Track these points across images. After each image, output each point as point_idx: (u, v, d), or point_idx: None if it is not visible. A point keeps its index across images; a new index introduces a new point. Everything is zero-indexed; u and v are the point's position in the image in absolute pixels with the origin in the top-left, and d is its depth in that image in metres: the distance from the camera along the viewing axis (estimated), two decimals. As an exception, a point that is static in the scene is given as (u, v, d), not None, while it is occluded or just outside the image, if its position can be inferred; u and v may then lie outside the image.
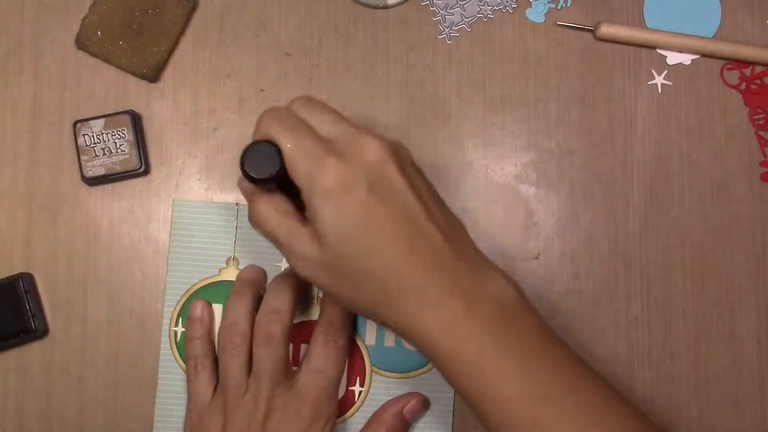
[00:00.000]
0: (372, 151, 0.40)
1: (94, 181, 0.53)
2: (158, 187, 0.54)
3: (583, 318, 0.54)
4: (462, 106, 0.55)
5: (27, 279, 0.53)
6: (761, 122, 0.56)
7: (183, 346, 0.53)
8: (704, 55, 0.56)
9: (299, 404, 0.48)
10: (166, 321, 0.54)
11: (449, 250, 0.41)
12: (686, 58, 0.56)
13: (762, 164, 0.55)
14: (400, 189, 0.40)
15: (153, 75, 0.54)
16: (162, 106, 0.55)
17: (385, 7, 0.55)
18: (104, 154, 0.53)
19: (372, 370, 0.54)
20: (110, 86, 0.55)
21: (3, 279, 0.53)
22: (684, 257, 0.55)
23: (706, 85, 0.56)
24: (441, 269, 0.40)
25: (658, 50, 0.56)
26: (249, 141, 0.55)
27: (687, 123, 0.55)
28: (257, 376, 0.48)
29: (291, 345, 0.51)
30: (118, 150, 0.53)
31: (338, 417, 0.52)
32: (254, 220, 0.43)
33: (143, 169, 0.53)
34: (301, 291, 0.52)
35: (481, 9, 0.56)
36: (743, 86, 0.56)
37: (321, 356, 0.50)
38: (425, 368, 0.54)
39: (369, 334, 0.54)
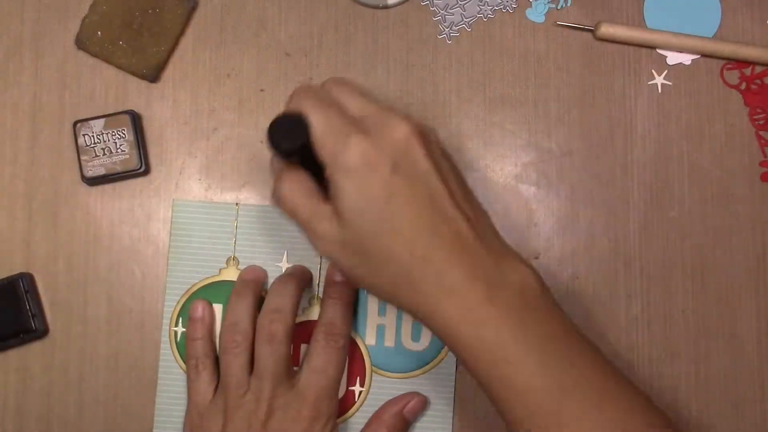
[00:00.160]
0: (399, 131, 0.40)
1: (94, 181, 0.53)
2: (158, 187, 0.54)
3: (583, 318, 0.54)
4: (462, 106, 0.55)
5: (27, 279, 0.53)
6: (761, 122, 0.56)
7: (183, 346, 0.53)
8: (704, 55, 0.56)
9: (300, 404, 0.48)
10: (166, 321, 0.54)
11: (472, 236, 0.40)
12: (686, 58, 0.56)
13: (762, 164, 0.55)
14: (424, 171, 0.40)
15: (153, 75, 0.54)
16: (162, 106, 0.55)
17: (385, 7, 0.55)
18: (104, 154, 0.53)
19: (372, 370, 0.54)
20: (110, 86, 0.55)
21: (3, 279, 0.53)
22: (684, 257, 0.55)
23: (706, 85, 0.56)
24: (463, 254, 0.40)
25: (658, 50, 0.56)
26: (249, 141, 0.55)
27: (687, 123, 0.55)
28: (259, 375, 0.48)
29: (291, 345, 0.51)
30: (118, 150, 0.53)
31: (338, 417, 0.52)
32: (276, 198, 0.43)
33: (143, 169, 0.53)
34: (303, 291, 0.52)
35: (481, 9, 0.56)
36: (743, 86, 0.56)
37: (321, 356, 0.50)
38: (425, 368, 0.54)
39: (369, 334, 0.54)
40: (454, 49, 0.55)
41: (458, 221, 0.40)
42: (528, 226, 0.55)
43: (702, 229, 0.55)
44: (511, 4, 0.56)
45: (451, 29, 0.55)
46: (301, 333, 0.53)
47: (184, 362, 0.53)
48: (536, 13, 0.56)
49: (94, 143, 0.53)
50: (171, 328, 0.53)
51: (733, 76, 0.56)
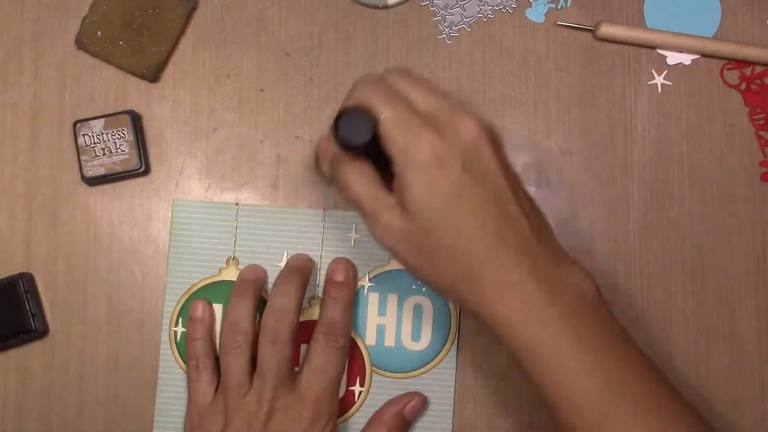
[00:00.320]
0: (469, 129, 0.40)
1: (94, 181, 0.53)
2: (158, 187, 0.54)
3: (583, 318, 0.54)
4: (462, 106, 0.55)
5: (27, 279, 0.53)
6: (761, 122, 0.56)
7: (183, 346, 0.53)
8: (704, 55, 0.56)
9: (301, 405, 0.48)
10: (166, 321, 0.54)
11: (534, 238, 0.41)
12: (686, 58, 0.56)
13: (762, 164, 0.55)
14: (492, 171, 0.41)
15: (153, 75, 0.54)
16: (162, 106, 0.55)
17: (385, 7, 0.55)
18: (104, 154, 0.53)
19: (372, 370, 0.54)
20: (110, 86, 0.55)
21: (3, 279, 0.53)
22: (684, 257, 0.55)
23: (706, 85, 0.56)
24: (525, 255, 0.40)
25: (658, 50, 0.56)
26: (249, 141, 0.55)
27: (687, 123, 0.55)
28: (262, 375, 0.48)
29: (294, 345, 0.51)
30: (118, 150, 0.53)
31: (339, 417, 0.52)
32: (340, 185, 0.43)
33: (143, 169, 0.53)
34: (306, 289, 0.52)
35: (481, 9, 0.56)
36: (743, 86, 0.56)
37: (322, 356, 0.50)
38: (425, 368, 0.54)
39: (369, 334, 0.54)
40: (454, 49, 0.55)
41: (521, 222, 0.41)
42: (528, 226, 0.55)
43: (702, 229, 0.55)
44: (511, 4, 0.56)
45: (451, 29, 0.55)
46: (301, 333, 0.53)
47: (184, 362, 0.53)
48: (536, 13, 0.56)
49: (94, 143, 0.53)
50: (171, 328, 0.53)
51: (733, 76, 0.56)
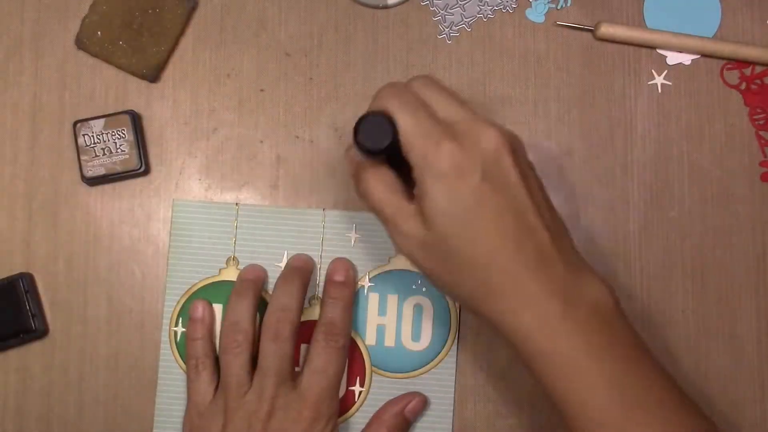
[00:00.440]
0: (490, 139, 0.40)
1: (94, 181, 0.53)
2: (158, 187, 0.54)
3: (583, 318, 0.54)
4: (462, 106, 0.55)
5: (27, 279, 0.53)
6: (761, 122, 0.56)
7: (183, 346, 0.53)
8: (704, 55, 0.56)
9: (301, 405, 0.48)
10: (166, 321, 0.54)
11: (553, 249, 0.41)
12: (686, 58, 0.56)
13: (762, 164, 0.55)
14: (513, 181, 0.40)
15: (153, 75, 0.54)
16: (162, 106, 0.55)
17: (385, 7, 0.55)
18: (104, 154, 0.53)
19: (372, 370, 0.54)
20: (110, 86, 0.55)
21: (3, 279, 0.53)
22: (684, 257, 0.55)
23: (706, 85, 0.56)
24: (543, 267, 0.40)
25: (658, 50, 0.56)
26: (249, 141, 0.55)
27: (687, 123, 0.55)
28: (263, 372, 0.49)
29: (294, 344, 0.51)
30: (118, 150, 0.53)
31: (339, 417, 0.52)
32: (361, 191, 0.43)
33: (143, 169, 0.53)
34: (307, 288, 0.52)
35: (481, 9, 0.56)
36: (743, 86, 0.56)
37: (322, 356, 0.50)
38: (425, 368, 0.54)
39: (369, 334, 0.54)
40: (454, 49, 0.55)
41: (541, 234, 0.41)
42: (528, 226, 0.55)
43: (702, 229, 0.55)
44: (511, 4, 0.56)
45: (451, 29, 0.55)
46: (301, 333, 0.53)
47: (184, 362, 0.53)
48: (536, 13, 0.56)
49: (94, 143, 0.53)
50: (171, 328, 0.53)
51: (733, 76, 0.56)
